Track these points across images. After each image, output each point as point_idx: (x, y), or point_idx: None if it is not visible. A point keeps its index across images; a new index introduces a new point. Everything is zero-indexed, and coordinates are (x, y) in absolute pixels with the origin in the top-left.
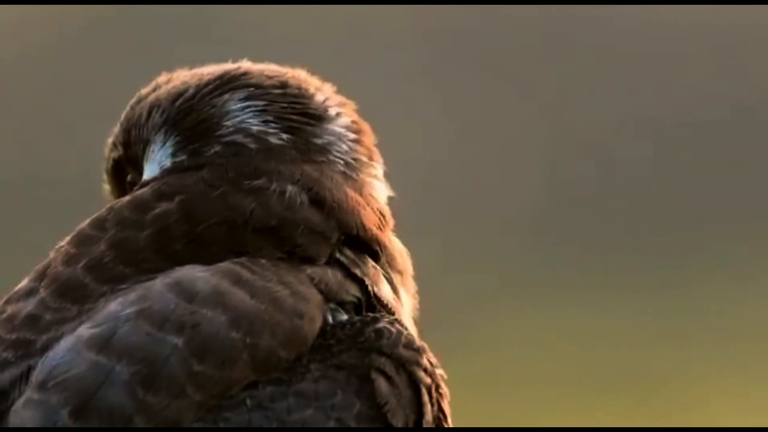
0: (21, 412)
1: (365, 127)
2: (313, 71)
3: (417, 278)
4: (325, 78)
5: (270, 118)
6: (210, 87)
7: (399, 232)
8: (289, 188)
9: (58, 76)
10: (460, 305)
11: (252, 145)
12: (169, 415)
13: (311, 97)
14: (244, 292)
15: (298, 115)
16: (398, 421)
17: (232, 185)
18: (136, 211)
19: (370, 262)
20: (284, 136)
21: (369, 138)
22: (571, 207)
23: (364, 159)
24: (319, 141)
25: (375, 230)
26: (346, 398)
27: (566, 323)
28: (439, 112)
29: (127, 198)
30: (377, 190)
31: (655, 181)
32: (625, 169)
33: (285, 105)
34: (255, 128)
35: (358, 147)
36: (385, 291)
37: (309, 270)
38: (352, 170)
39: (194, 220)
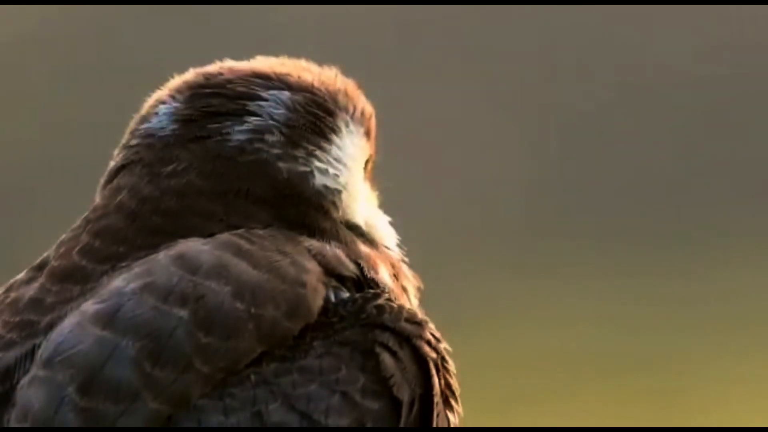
0: (27, 390)
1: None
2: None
3: (417, 259)
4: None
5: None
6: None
7: (399, 213)
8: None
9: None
10: (461, 287)
11: None
12: (177, 389)
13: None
14: (246, 263)
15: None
16: (404, 395)
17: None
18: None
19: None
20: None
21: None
22: (573, 191)
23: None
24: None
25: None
26: (351, 373)
27: (566, 308)
28: (441, 98)
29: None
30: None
31: (658, 164)
32: (625, 150)
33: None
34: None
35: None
36: (383, 275)
37: (306, 243)
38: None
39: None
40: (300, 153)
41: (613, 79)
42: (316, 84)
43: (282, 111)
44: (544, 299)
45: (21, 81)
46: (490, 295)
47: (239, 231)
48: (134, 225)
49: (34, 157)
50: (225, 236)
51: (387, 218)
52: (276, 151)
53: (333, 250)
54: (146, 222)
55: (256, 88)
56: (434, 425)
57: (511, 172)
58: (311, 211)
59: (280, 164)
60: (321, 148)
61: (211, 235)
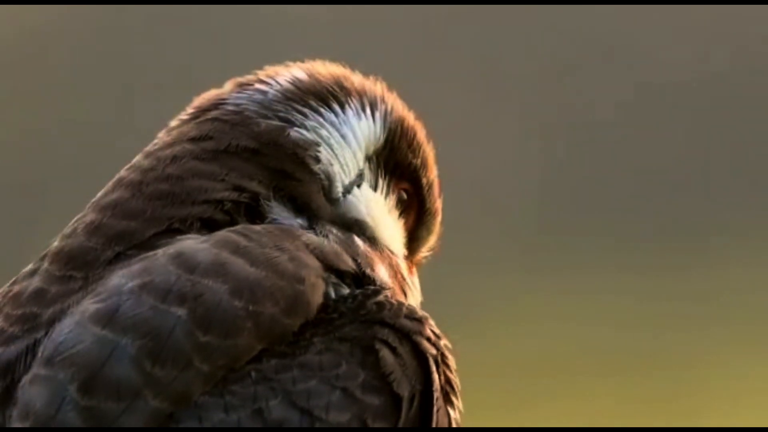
0: (29, 389)
1: None
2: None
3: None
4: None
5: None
6: None
7: None
8: None
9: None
10: (469, 285)
11: None
12: (178, 388)
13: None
14: (244, 260)
15: None
16: (404, 391)
17: None
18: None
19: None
20: None
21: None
22: (577, 188)
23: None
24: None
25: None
26: (351, 369)
27: (570, 305)
28: (451, 96)
29: None
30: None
31: (663, 163)
32: (629, 150)
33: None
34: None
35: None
36: (380, 273)
37: (304, 237)
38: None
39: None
40: (281, 111)
41: (623, 80)
42: (328, 75)
43: (282, 86)
44: (551, 297)
45: (25, 78)
46: (497, 292)
47: (237, 228)
48: (141, 195)
49: (40, 154)
50: (222, 233)
51: (398, 226)
52: (260, 110)
53: (331, 245)
54: (153, 189)
55: (272, 78)
56: (434, 421)
57: (519, 172)
58: (288, 161)
59: (260, 120)
60: (304, 112)
61: (220, 201)
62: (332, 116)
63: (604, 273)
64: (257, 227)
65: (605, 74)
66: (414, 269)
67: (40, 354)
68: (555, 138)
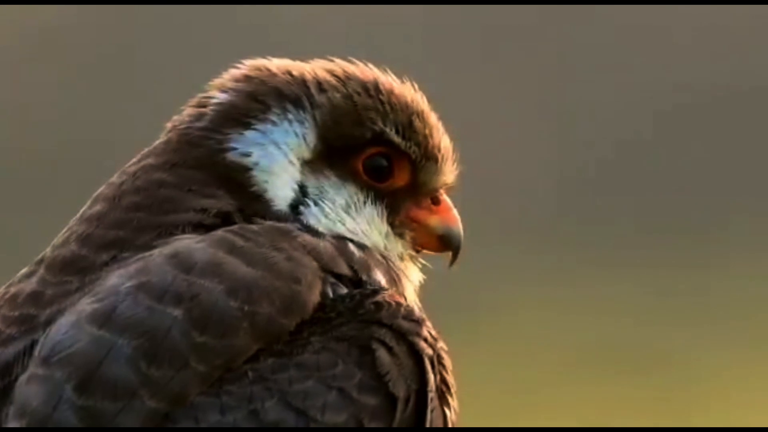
0: (26, 388)
1: None
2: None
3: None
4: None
5: None
6: None
7: None
8: None
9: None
10: (463, 283)
11: None
12: (174, 388)
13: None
14: (240, 260)
15: None
16: (399, 391)
17: None
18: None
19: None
20: None
21: None
22: (583, 186)
23: None
24: None
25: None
26: (347, 369)
27: (573, 299)
28: (464, 93)
29: None
30: None
31: (668, 160)
32: (638, 148)
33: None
34: None
35: None
36: (377, 277)
37: (301, 237)
38: None
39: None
40: (216, 136)
41: (634, 80)
42: (247, 87)
43: (213, 111)
44: (549, 295)
45: (26, 78)
46: (494, 289)
47: (233, 227)
48: (118, 207)
49: (40, 153)
50: (219, 233)
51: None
52: (203, 134)
53: (327, 247)
54: (128, 201)
55: (209, 100)
56: (429, 421)
57: (518, 172)
58: (231, 181)
59: (203, 142)
60: (232, 138)
61: (191, 209)
62: (257, 135)
63: (604, 267)
64: (254, 227)
65: (623, 75)
66: (437, 205)
67: (37, 354)
68: (562, 136)
